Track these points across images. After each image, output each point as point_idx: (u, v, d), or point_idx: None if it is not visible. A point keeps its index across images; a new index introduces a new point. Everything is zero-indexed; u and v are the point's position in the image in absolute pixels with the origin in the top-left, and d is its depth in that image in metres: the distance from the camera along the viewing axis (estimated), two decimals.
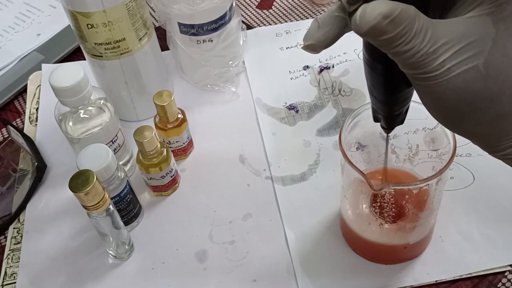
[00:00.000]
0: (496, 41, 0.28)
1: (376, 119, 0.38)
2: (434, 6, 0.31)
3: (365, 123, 0.47)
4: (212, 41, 0.63)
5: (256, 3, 0.79)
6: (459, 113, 0.29)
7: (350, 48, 0.70)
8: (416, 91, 0.31)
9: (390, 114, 0.36)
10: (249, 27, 0.75)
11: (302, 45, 0.33)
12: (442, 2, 0.31)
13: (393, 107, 0.36)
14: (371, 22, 0.27)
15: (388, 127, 0.39)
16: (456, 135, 0.44)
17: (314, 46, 0.32)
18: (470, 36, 0.28)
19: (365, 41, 0.32)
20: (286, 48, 0.72)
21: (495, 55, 0.28)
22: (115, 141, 0.56)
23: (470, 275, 0.50)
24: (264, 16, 0.77)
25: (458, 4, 0.30)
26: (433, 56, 0.28)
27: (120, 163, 0.56)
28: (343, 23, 0.32)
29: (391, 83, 0.33)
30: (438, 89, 0.29)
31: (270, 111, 0.65)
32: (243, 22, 0.72)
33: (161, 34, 0.67)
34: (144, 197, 0.59)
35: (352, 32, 0.33)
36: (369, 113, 0.46)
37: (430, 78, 0.28)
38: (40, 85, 0.71)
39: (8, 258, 0.56)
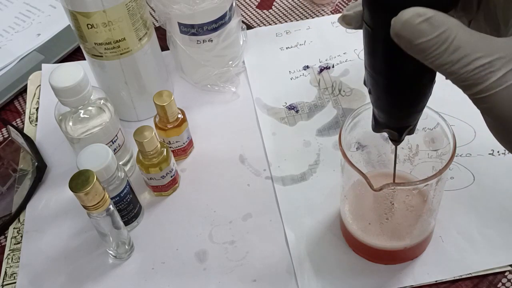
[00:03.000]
0: None
1: (378, 131, 0.38)
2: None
3: (365, 123, 0.47)
4: (212, 41, 0.63)
5: (256, 3, 0.79)
6: None
7: (350, 48, 0.70)
8: (480, 111, 0.30)
9: (402, 127, 0.37)
10: (249, 27, 0.75)
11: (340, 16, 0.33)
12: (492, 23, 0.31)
13: (408, 118, 0.36)
14: (404, 17, 0.27)
15: (399, 140, 0.39)
16: (456, 135, 0.44)
17: (349, 17, 0.33)
18: None
19: (387, 48, 0.31)
20: (286, 48, 0.72)
21: None
22: (115, 141, 0.56)
23: (470, 275, 0.50)
24: (264, 16, 0.77)
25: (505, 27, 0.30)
26: (491, 70, 0.27)
27: (120, 163, 0.56)
28: None
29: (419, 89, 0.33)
30: (500, 106, 0.28)
31: (270, 111, 0.65)
32: (243, 22, 0.72)
33: (161, 34, 0.67)
34: (144, 197, 0.59)
35: (352, 31, 0.33)
36: (369, 113, 0.46)
37: (489, 96, 0.27)
38: (40, 85, 0.71)
39: (8, 258, 0.56)
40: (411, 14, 0.27)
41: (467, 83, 0.28)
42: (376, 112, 0.37)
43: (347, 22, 0.33)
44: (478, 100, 0.28)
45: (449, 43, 0.27)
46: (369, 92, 0.36)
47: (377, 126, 0.38)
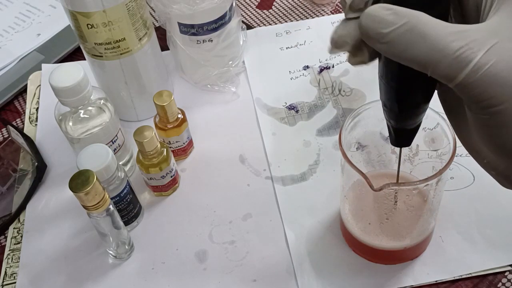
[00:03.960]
0: None
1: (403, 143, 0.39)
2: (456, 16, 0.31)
3: (365, 123, 0.47)
4: (212, 41, 0.63)
5: (256, 3, 0.79)
6: None
7: None
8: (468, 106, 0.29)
9: (416, 126, 0.37)
10: (249, 27, 0.75)
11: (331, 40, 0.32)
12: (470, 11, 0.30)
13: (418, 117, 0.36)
14: (372, 11, 0.27)
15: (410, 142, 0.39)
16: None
17: (337, 40, 0.32)
18: (496, 35, 0.27)
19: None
20: (286, 48, 0.72)
21: None
22: (115, 141, 0.56)
23: (470, 275, 0.50)
24: (264, 16, 0.77)
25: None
26: (470, 51, 0.26)
27: (120, 163, 0.56)
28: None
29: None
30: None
31: (270, 111, 0.65)
32: (243, 22, 0.72)
33: (161, 34, 0.67)
34: (144, 197, 0.59)
35: None
36: (369, 113, 0.46)
37: (479, 80, 0.26)
38: (40, 85, 0.71)
39: (8, 258, 0.56)
40: (378, 8, 0.28)
41: (451, 70, 0.27)
42: (394, 122, 0.37)
43: (339, 45, 0.32)
44: (466, 87, 0.27)
45: (419, 30, 0.27)
46: (384, 105, 0.36)
47: (400, 139, 0.38)
